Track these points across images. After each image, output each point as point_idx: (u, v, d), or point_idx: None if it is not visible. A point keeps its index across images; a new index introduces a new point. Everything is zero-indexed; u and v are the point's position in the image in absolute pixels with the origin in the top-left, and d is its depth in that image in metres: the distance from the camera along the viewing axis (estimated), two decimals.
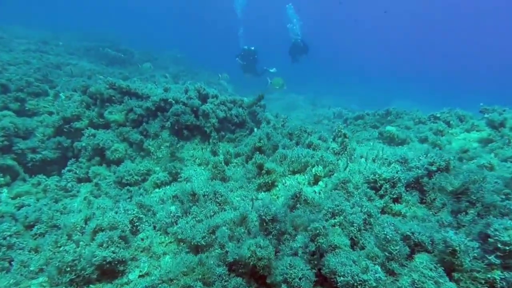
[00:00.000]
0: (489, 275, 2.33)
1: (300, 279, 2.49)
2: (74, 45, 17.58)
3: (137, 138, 6.73)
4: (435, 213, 3.32)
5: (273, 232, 3.10)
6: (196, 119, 7.01)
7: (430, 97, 27.66)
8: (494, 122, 6.92)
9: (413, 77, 44.93)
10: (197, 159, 6.64)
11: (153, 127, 6.87)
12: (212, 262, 2.93)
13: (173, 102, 7.01)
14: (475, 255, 2.40)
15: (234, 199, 4.27)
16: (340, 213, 3.02)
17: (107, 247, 3.23)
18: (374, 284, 2.34)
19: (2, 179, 6.05)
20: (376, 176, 3.67)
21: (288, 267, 2.53)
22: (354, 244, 2.94)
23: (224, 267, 2.86)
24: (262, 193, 4.46)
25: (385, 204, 3.48)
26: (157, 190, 5.86)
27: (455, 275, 2.40)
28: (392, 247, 2.59)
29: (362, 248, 2.88)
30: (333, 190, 3.73)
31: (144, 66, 13.40)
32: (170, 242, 3.69)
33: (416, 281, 2.41)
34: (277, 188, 4.51)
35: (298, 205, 3.61)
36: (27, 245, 4.11)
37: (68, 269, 3.08)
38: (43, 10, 42.28)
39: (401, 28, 60.88)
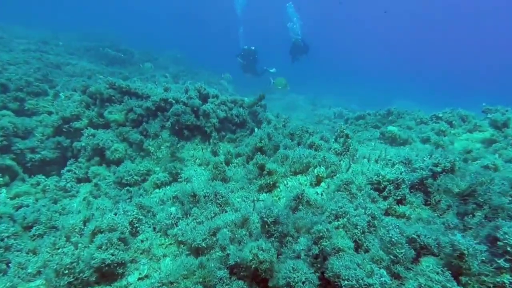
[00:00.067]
0: (497, 279, 2.27)
1: (303, 283, 2.43)
2: (74, 45, 17.52)
3: (137, 138, 6.67)
4: (440, 215, 3.26)
5: (275, 235, 3.04)
6: (196, 119, 6.96)
7: (431, 97, 27.63)
8: (497, 122, 6.86)
9: (413, 77, 44.99)
10: (198, 159, 6.58)
11: (153, 127, 6.81)
12: (213, 265, 2.87)
13: (173, 102, 6.95)
14: (483, 258, 2.33)
15: (235, 200, 4.21)
16: (344, 215, 2.96)
17: (106, 249, 3.18)
18: None
19: (1, 179, 5.99)
20: (380, 177, 3.61)
21: (291, 271, 2.47)
22: (358, 247, 2.88)
23: (225, 270, 2.80)
24: (264, 194, 4.39)
25: (389, 206, 3.42)
26: (157, 190, 5.81)
27: (463, 279, 2.34)
28: (398, 250, 2.53)
29: (366, 251, 2.81)
30: (336, 192, 3.67)
31: (146, 66, 13.37)
32: (170, 244, 3.63)
33: (422, 285, 2.35)
34: (279, 189, 4.45)
35: (300, 207, 3.55)
36: (25, 247, 4.06)
37: (66, 271, 3.02)
38: (43, 10, 42.26)
39: (401, 28, 60.86)
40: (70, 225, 3.71)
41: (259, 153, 4.88)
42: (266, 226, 3.01)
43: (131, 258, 3.40)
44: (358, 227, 2.89)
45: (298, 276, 2.44)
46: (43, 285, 3.10)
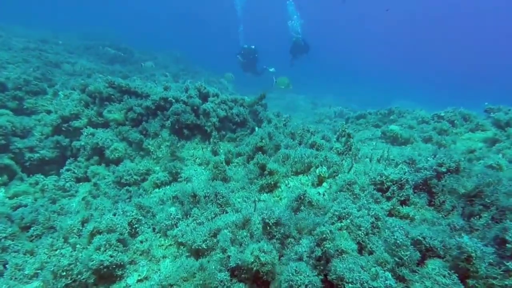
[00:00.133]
0: (506, 282, 2.21)
1: (306, 286, 2.37)
2: (73, 44, 17.44)
3: (137, 137, 6.61)
4: (445, 216, 3.20)
5: (276, 236, 2.99)
6: (196, 118, 6.89)
7: (431, 97, 27.53)
8: (500, 121, 6.79)
9: (413, 77, 44.84)
10: (198, 158, 6.52)
11: (153, 126, 6.75)
12: (213, 267, 2.81)
13: (173, 101, 6.89)
14: (491, 261, 2.27)
15: (235, 201, 4.15)
16: (347, 216, 2.90)
17: (105, 250, 3.12)
18: None
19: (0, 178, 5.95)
20: (383, 177, 3.54)
21: (294, 273, 2.41)
22: (361, 248, 2.82)
23: (226, 272, 2.75)
24: (265, 194, 4.33)
25: (392, 207, 3.36)
26: (156, 190, 5.74)
27: (470, 282, 2.28)
28: (403, 252, 2.47)
29: (370, 253, 2.76)
30: (338, 192, 3.61)
31: (147, 64, 13.31)
32: (170, 245, 3.58)
33: None
34: (280, 189, 4.39)
35: (302, 208, 3.49)
36: (22, 248, 3.99)
37: (64, 273, 2.97)
38: (43, 10, 42.16)
39: (402, 28, 60.72)
40: (68, 226, 3.65)
41: (259, 152, 4.82)
42: (268, 228, 2.95)
43: (130, 260, 3.35)
44: (362, 228, 2.83)
45: (301, 279, 2.38)
46: (40, 287, 3.04)
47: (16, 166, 6.28)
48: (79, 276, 2.98)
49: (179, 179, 5.79)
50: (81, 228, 3.70)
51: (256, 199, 4.12)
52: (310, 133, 6.12)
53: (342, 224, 2.86)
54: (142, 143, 6.63)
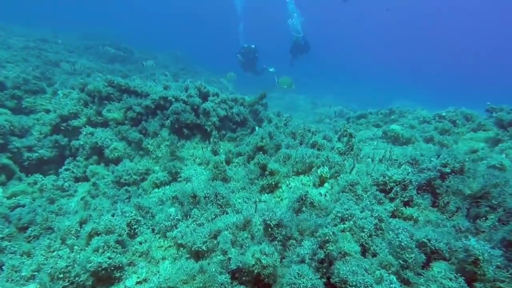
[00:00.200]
0: None
1: None
2: (73, 43, 17.37)
3: (136, 137, 6.55)
4: (449, 217, 3.14)
5: (278, 238, 2.93)
6: (196, 117, 6.83)
7: (431, 97, 27.45)
8: (503, 121, 6.73)
9: (414, 78, 44.72)
10: (198, 158, 6.46)
11: (153, 126, 6.69)
12: (213, 269, 2.75)
13: (173, 100, 6.83)
14: (499, 263, 2.22)
15: (236, 201, 4.09)
16: (350, 217, 2.84)
17: (103, 252, 3.06)
18: None
19: None
20: (386, 178, 3.49)
21: (297, 276, 2.35)
22: (364, 250, 2.76)
23: (227, 275, 2.69)
24: (265, 195, 4.28)
25: (395, 208, 3.30)
26: (156, 190, 5.68)
27: (477, 285, 2.23)
28: (407, 255, 2.42)
29: (374, 255, 2.70)
30: (340, 193, 3.55)
31: (148, 63, 13.27)
32: (170, 246, 3.52)
33: None
34: (281, 190, 4.34)
35: (303, 208, 3.44)
36: (19, 249, 3.93)
37: (61, 275, 2.91)
38: (43, 10, 42.07)
39: (402, 27, 60.63)
40: (66, 227, 3.59)
41: (260, 152, 4.76)
42: (269, 229, 2.89)
43: (129, 261, 3.29)
44: (365, 230, 2.78)
45: (303, 282, 2.33)
46: None
47: (14, 165, 6.22)
48: (76, 279, 2.93)
49: (178, 179, 5.73)
50: (79, 229, 3.65)
51: (257, 199, 4.06)
52: (311, 132, 6.06)
53: (345, 225, 2.81)
54: (141, 142, 6.57)
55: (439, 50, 60.93)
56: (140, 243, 3.56)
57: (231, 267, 2.70)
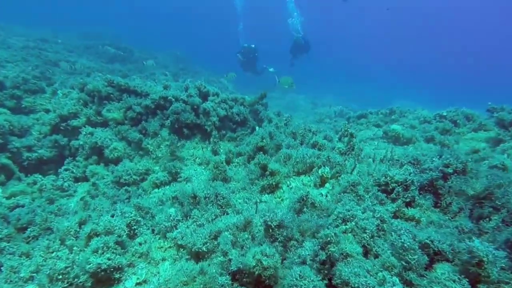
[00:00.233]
0: None
1: None
2: (73, 43, 17.34)
3: (136, 137, 6.52)
4: (452, 218, 3.11)
5: (279, 239, 2.90)
6: (196, 117, 6.81)
7: (431, 97, 27.41)
8: (504, 121, 6.71)
9: (414, 78, 44.68)
10: (198, 158, 6.43)
11: (153, 126, 6.66)
12: (214, 270, 2.73)
13: (173, 100, 6.80)
14: (503, 265, 2.19)
15: (236, 202, 4.06)
16: (352, 218, 2.81)
17: (102, 253, 3.03)
18: None
19: None
20: (388, 178, 3.46)
21: (298, 278, 2.33)
22: (366, 252, 2.73)
23: (227, 276, 2.66)
24: (266, 195, 4.25)
25: (397, 208, 3.27)
26: (156, 190, 5.66)
27: (481, 287, 2.20)
28: (410, 256, 2.39)
29: (376, 256, 2.67)
30: (342, 193, 3.53)
31: (148, 63, 13.25)
32: (170, 247, 3.49)
33: None
34: (281, 190, 4.31)
35: (304, 209, 3.41)
36: (18, 250, 3.90)
37: (60, 277, 2.89)
38: (43, 9, 42.04)
39: (402, 27, 60.59)
40: (65, 228, 3.56)
41: (260, 152, 4.73)
42: (270, 230, 2.87)
43: (128, 262, 3.26)
44: (367, 231, 2.75)
45: (305, 284, 2.30)
46: None
47: (13, 165, 6.19)
48: (75, 280, 2.90)
49: (178, 179, 5.71)
50: (78, 229, 3.62)
51: (258, 200, 4.03)
52: (311, 132, 6.03)
53: (347, 226, 2.78)
54: (141, 142, 6.54)
55: (439, 50, 60.85)
56: (140, 244, 3.53)
57: (232, 268, 2.67)
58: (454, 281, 2.23)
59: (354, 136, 5.10)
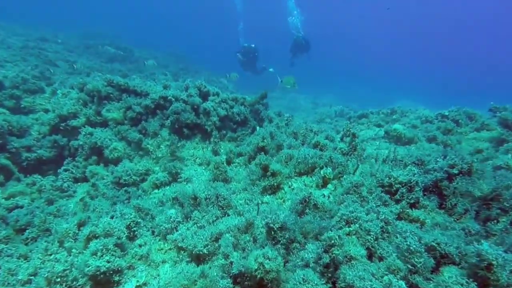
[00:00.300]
0: None
1: None
2: (73, 43, 17.30)
3: (136, 137, 6.47)
4: (457, 219, 3.06)
5: (281, 241, 2.84)
6: (196, 117, 6.75)
7: (432, 97, 27.33)
8: (507, 120, 6.63)
9: (414, 78, 44.57)
10: (198, 158, 6.38)
11: (152, 126, 6.61)
12: (215, 273, 2.67)
13: (173, 99, 6.75)
14: None
15: (237, 203, 4.01)
16: (355, 220, 2.76)
17: (102, 255, 2.98)
18: None
19: None
20: (392, 179, 3.40)
21: (302, 282, 2.27)
22: (370, 254, 2.68)
23: (229, 279, 2.61)
24: (267, 196, 4.19)
25: (401, 210, 3.22)
26: (156, 191, 5.61)
27: None
28: (416, 259, 2.33)
29: (380, 259, 2.62)
30: (344, 195, 3.47)
31: (149, 63, 13.22)
32: (170, 249, 3.44)
33: None
34: (283, 191, 4.25)
35: (307, 210, 3.35)
36: (16, 251, 3.84)
37: (58, 279, 2.84)
38: (43, 9, 41.97)
39: (402, 27, 60.49)
40: (63, 229, 3.51)
41: (261, 152, 4.67)
42: (272, 233, 2.81)
43: (128, 265, 3.21)
44: (371, 233, 2.69)
45: None
46: None
47: (12, 166, 6.15)
48: (74, 283, 2.85)
49: (179, 180, 5.65)
50: (77, 231, 3.57)
51: (259, 201, 3.98)
52: (313, 132, 5.97)
53: (351, 229, 2.72)
54: (141, 142, 6.49)
55: (440, 49, 60.75)
56: (140, 246, 3.49)
57: (233, 271, 2.62)
58: (462, 284, 2.17)
59: (356, 136, 5.04)
